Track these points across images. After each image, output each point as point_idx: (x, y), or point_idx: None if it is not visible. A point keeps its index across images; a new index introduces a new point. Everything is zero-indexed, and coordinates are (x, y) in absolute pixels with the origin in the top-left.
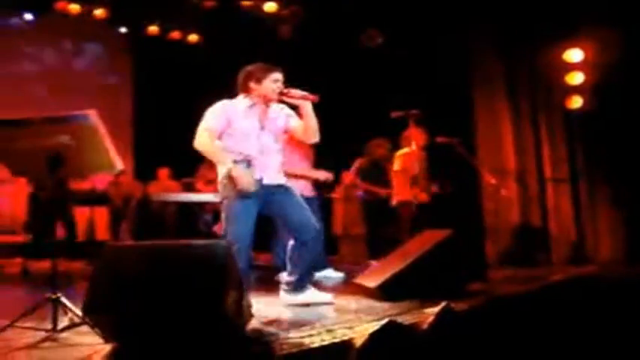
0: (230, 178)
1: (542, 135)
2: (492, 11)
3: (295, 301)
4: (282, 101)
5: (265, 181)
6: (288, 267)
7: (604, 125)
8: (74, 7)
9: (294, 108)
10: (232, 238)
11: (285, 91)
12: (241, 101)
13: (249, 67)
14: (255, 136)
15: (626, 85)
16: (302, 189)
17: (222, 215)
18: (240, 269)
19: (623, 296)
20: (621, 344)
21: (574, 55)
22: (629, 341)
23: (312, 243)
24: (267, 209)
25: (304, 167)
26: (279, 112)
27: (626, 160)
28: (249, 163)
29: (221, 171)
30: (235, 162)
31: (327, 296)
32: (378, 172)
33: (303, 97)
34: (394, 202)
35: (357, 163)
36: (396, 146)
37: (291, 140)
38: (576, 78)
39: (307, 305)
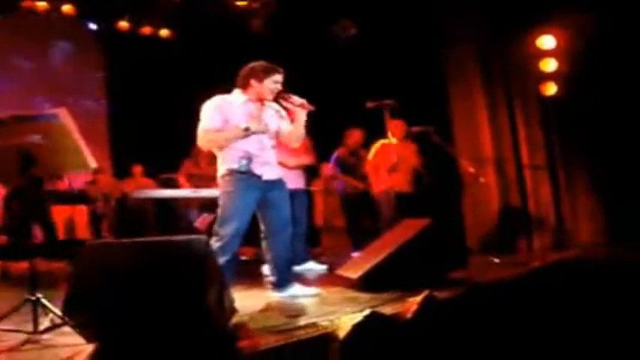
0: (231, 172)
1: (518, 122)
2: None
3: (281, 296)
4: (278, 103)
5: (265, 177)
6: (269, 266)
7: (579, 111)
8: (41, 4)
9: (287, 110)
10: (229, 231)
11: (287, 95)
12: (236, 97)
13: (254, 64)
14: (254, 135)
15: (600, 71)
16: (295, 182)
17: (219, 209)
18: (226, 262)
19: (604, 280)
20: (605, 328)
21: (547, 42)
22: (613, 325)
23: (288, 239)
24: (260, 204)
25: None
26: (275, 114)
27: (602, 144)
28: (250, 160)
29: (221, 168)
30: (240, 159)
31: (312, 290)
32: (356, 162)
33: (301, 106)
34: (373, 192)
35: (335, 154)
36: (374, 136)
37: None
38: (550, 65)
39: (292, 298)
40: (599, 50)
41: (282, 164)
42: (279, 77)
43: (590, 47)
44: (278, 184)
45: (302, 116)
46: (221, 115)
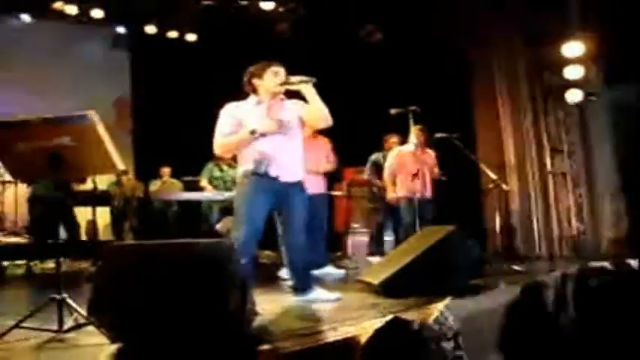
0: (247, 174)
1: (541, 129)
2: (491, 6)
3: (301, 300)
4: (286, 91)
5: (283, 179)
6: (288, 270)
7: (603, 118)
8: (71, 8)
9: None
10: (243, 234)
11: (286, 79)
12: (248, 101)
13: (250, 67)
14: (271, 134)
15: (624, 78)
16: (316, 186)
17: (235, 212)
18: (243, 266)
19: (625, 290)
20: (621, 339)
21: (573, 48)
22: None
23: (305, 243)
24: (276, 206)
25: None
26: (289, 106)
27: (625, 151)
28: (266, 161)
29: (239, 170)
30: (256, 160)
31: (333, 295)
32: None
33: (301, 81)
34: (390, 198)
35: (370, 159)
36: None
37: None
38: (576, 72)
39: (312, 302)
40: (624, 57)
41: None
42: (277, 68)
43: (615, 54)
44: (296, 186)
45: (310, 92)
46: (233, 120)
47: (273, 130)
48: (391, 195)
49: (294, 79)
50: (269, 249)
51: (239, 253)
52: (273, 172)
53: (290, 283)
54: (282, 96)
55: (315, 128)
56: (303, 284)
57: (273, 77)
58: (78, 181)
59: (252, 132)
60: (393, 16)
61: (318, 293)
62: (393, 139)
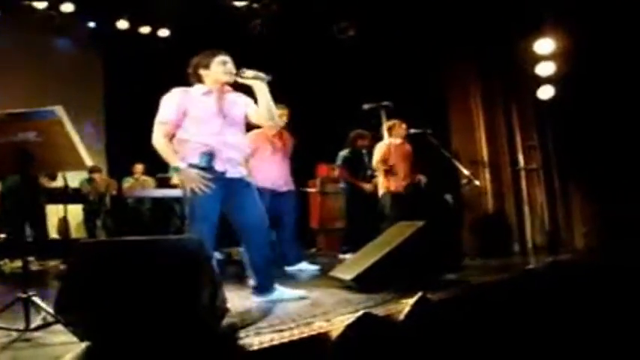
0: (191, 168)
1: (514, 125)
2: (464, 4)
3: (265, 301)
4: (235, 83)
5: (228, 175)
6: (249, 272)
7: (575, 115)
8: (40, 3)
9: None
10: (196, 231)
11: (239, 72)
12: (197, 88)
13: (194, 58)
14: (217, 125)
15: (596, 75)
16: (278, 183)
17: (186, 208)
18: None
19: (597, 282)
20: (597, 329)
21: (544, 45)
22: (605, 326)
23: (264, 244)
24: (225, 205)
25: (277, 160)
26: (237, 100)
27: (597, 148)
28: (212, 155)
29: (180, 164)
30: (202, 154)
31: (298, 293)
32: (359, 164)
33: (256, 77)
34: (379, 193)
35: (342, 155)
36: (377, 138)
37: (261, 135)
38: (546, 68)
39: (276, 302)
40: (595, 54)
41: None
42: (224, 57)
43: (586, 51)
44: (242, 182)
45: (262, 89)
46: (177, 108)
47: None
48: (385, 188)
49: (248, 73)
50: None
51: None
52: (219, 167)
53: (251, 283)
54: (228, 87)
55: (260, 125)
56: (262, 284)
57: (221, 66)
58: (48, 178)
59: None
60: (366, 13)
61: (280, 293)
62: (366, 138)
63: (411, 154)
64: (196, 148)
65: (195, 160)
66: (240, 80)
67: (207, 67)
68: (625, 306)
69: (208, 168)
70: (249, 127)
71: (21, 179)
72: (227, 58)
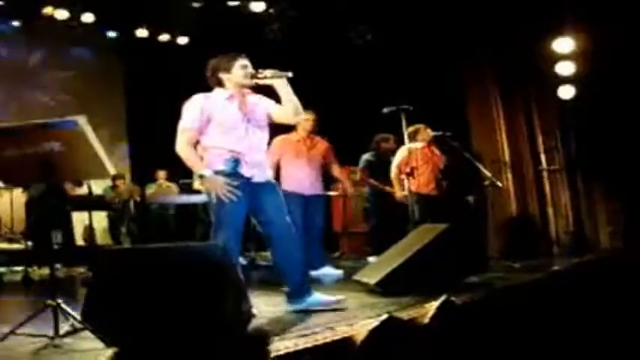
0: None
1: (535, 126)
2: (483, 4)
3: (301, 307)
4: (256, 86)
5: (255, 180)
6: (282, 276)
7: (597, 114)
8: (61, 13)
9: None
10: (221, 238)
11: (256, 73)
12: (219, 93)
13: (213, 61)
14: (242, 130)
15: (617, 74)
16: (312, 187)
17: (213, 215)
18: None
19: (623, 283)
20: (625, 330)
21: (564, 44)
22: (633, 327)
23: (291, 249)
24: (251, 209)
25: (300, 164)
26: (258, 102)
27: (619, 147)
28: (237, 161)
29: (206, 172)
30: (227, 160)
31: (334, 298)
32: (384, 167)
33: (275, 75)
34: (399, 197)
35: (364, 159)
36: (400, 141)
37: (284, 141)
38: (567, 68)
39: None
40: (615, 52)
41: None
42: (244, 61)
43: (607, 50)
44: (269, 187)
45: (283, 87)
46: (201, 115)
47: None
48: (400, 193)
49: (266, 72)
50: (265, 250)
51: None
52: (245, 173)
53: (284, 289)
54: (247, 90)
55: (287, 123)
56: (295, 289)
57: (241, 70)
58: (74, 184)
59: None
60: (383, 16)
61: (314, 299)
62: (391, 143)
63: (437, 157)
64: (221, 154)
65: (221, 167)
66: (260, 82)
67: (227, 70)
68: None
69: (234, 174)
70: (274, 127)
71: (46, 187)
72: (247, 62)
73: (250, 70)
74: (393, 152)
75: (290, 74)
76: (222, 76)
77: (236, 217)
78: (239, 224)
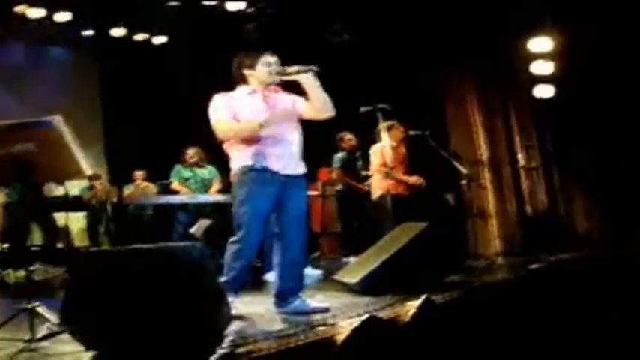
0: (244, 171)
1: (512, 124)
2: (460, 4)
3: (286, 311)
4: (282, 82)
5: (283, 172)
6: (281, 272)
7: (573, 113)
8: (35, 11)
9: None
10: (245, 234)
11: (281, 70)
12: (240, 90)
13: (239, 56)
14: (260, 124)
15: (594, 73)
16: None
17: (234, 212)
18: (241, 267)
19: (601, 280)
20: (603, 327)
21: (542, 44)
22: (611, 324)
23: (292, 244)
24: (276, 203)
25: None
26: (283, 97)
27: (596, 145)
28: (265, 154)
29: (234, 166)
30: (254, 155)
31: (321, 305)
32: (354, 166)
33: (301, 70)
34: (374, 196)
35: (339, 158)
36: (372, 141)
37: None
38: (543, 67)
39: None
40: (592, 52)
41: None
42: (269, 58)
43: (583, 49)
44: (298, 180)
45: (310, 81)
46: (227, 109)
47: (279, 119)
48: (380, 191)
49: (291, 68)
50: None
51: (240, 254)
52: (273, 166)
53: (274, 291)
54: (274, 87)
55: (317, 119)
56: (284, 290)
57: (266, 67)
58: (57, 184)
59: (261, 125)
60: (360, 15)
61: (302, 304)
62: (350, 138)
63: (406, 157)
64: (248, 148)
65: (249, 163)
66: (285, 77)
67: (252, 67)
68: (629, 300)
69: (262, 169)
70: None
71: (25, 188)
72: (272, 59)
73: (275, 67)
74: (360, 150)
75: (316, 68)
76: (246, 72)
77: (259, 215)
78: (262, 222)
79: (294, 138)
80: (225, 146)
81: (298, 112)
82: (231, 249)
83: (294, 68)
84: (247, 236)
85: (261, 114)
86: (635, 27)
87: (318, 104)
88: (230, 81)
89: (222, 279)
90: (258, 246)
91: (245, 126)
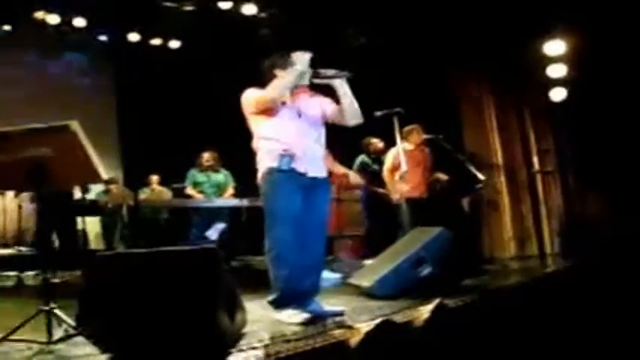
0: (271, 172)
1: (527, 128)
2: (475, 7)
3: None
4: (313, 85)
5: (311, 174)
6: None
7: (589, 116)
8: (52, 18)
9: (332, 94)
10: (278, 239)
11: (315, 73)
12: None
13: (272, 56)
14: (295, 123)
15: (608, 76)
16: None
17: (266, 215)
18: (286, 275)
19: (614, 284)
20: (614, 332)
21: (556, 47)
22: (622, 328)
23: (309, 247)
24: (303, 203)
25: None
26: (312, 99)
27: (612, 148)
28: (292, 156)
29: (260, 167)
30: (280, 155)
31: (335, 309)
32: (378, 169)
33: (334, 76)
34: (394, 199)
35: (358, 161)
36: (391, 144)
37: None
38: (559, 70)
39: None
40: (607, 55)
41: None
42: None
43: (598, 52)
44: (323, 182)
45: (343, 88)
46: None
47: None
48: (394, 195)
49: (326, 72)
50: (258, 254)
51: (278, 261)
52: (300, 168)
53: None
54: (304, 89)
55: (343, 125)
56: (312, 289)
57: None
58: (78, 187)
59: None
60: (376, 19)
61: (317, 305)
62: (377, 142)
63: (427, 159)
64: (274, 148)
65: (275, 164)
66: (317, 81)
67: (284, 68)
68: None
69: (289, 170)
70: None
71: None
72: (307, 59)
73: (308, 69)
74: (384, 153)
75: (349, 74)
76: (279, 73)
77: (290, 216)
78: (293, 224)
79: (320, 141)
80: (255, 145)
81: (326, 116)
82: (269, 258)
83: (329, 72)
84: (282, 241)
85: (290, 117)
86: None
87: (349, 110)
88: (245, 85)
89: (273, 296)
90: (296, 248)
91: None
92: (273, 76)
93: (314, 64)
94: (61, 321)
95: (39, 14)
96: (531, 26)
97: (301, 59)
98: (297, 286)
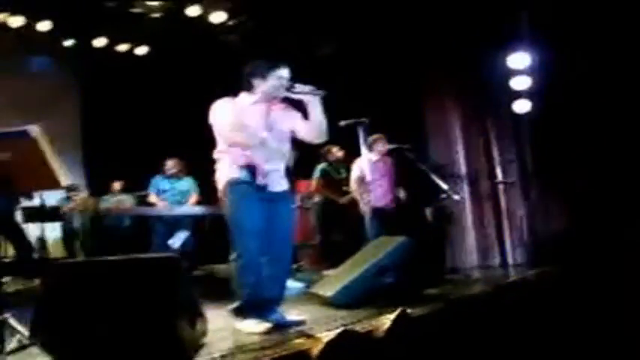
0: (232, 183)
1: (491, 139)
2: (440, 19)
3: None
4: (287, 98)
5: (270, 189)
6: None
7: (551, 127)
8: (15, 20)
9: (301, 107)
10: (245, 248)
11: (291, 86)
12: (243, 98)
13: (254, 64)
14: (262, 137)
15: (571, 88)
16: None
17: (231, 227)
18: (254, 282)
19: (575, 294)
20: (576, 341)
21: (519, 59)
22: (585, 338)
23: (274, 259)
24: (264, 216)
25: None
26: (284, 113)
27: (574, 159)
28: (252, 169)
29: (221, 178)
30: (242, 167)
31: (296, 318)
32: (334, 178)
33: (309, 92)
34: (362, 209)
35: (319, 169)
36: (353, 153)
37: None
38: (522, 82)
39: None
40: (570, 67)
41: None
42: (283, 72)
43: (561, 64)
44: (284, 196)
45: (314, 106)
46: (235, 119)
47: (275, 141)
48: (362, 205)
49: (303, 88)
50: (222, 263)
51: (247, 269)
52: (260, 181)
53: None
54: (276, 100)
55: (309, 142)
56: (275, 299)
57: (276, 82)
58: (25, 197)
59: (263, 141)
60: (343, 29)
61: (279, 315)
62: (337, 150)
63: (392, 169)
64: (237, 160)
65: (236, 175)
66: (293, 96)
67: (263, 77)
68: (603, 314)
69: (249, 182)
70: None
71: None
72: (285, 74)
73: (285, 82)
74: (345, 162)
75: (323, 93)
76: (255, 82)
77: (254, 225)
78: (259, 233)
79: (285, 156)
80: (216, 155)
81: (295, 132)
82: (235, 267)
83: (307, 89)
84: (247, 249)
85: (259, 129)
86: (612, 41)
87: (316, 128)
88: (212, 93)
89: (235, 305)
90: (261, 251)
91: (247, 138)
92: (248, 83)
93: (290, 77)
94: (14, 331)
95: (1, 16)
96: (496, 38)
97: (279, 74)
98: (261, 295)
